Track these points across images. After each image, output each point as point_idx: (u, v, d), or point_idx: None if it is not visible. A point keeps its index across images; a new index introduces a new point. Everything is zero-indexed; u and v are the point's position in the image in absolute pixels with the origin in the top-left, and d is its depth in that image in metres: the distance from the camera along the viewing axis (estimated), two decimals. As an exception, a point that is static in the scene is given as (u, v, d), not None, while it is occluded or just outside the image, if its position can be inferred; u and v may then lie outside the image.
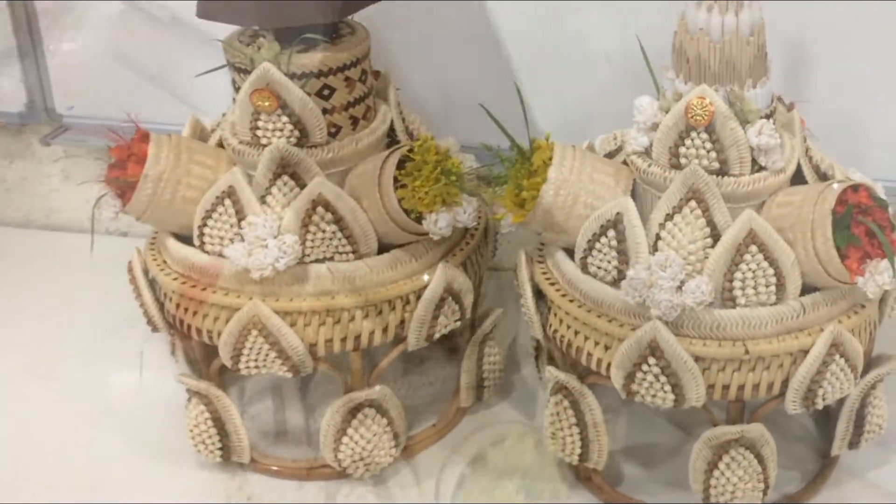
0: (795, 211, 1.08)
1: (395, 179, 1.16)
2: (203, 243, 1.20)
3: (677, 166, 1.11)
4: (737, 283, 1.08)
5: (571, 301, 1.16)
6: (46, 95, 1.66)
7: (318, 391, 1.37)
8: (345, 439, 1.23)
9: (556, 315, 1.18)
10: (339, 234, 1.17)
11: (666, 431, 1.30)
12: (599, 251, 1.13)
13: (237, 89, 1.19)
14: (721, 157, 1.09)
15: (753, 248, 1.08)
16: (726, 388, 1.10)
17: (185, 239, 1.23)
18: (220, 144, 1.26)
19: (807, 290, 1.10)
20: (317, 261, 1.18)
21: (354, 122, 1.21)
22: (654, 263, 1.08)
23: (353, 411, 1.23)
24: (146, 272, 1.26)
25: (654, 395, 1.11)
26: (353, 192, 1.19)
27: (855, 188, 1.07)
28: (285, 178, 1.18)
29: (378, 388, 1.23)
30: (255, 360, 1.18)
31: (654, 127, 1.12)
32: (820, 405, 1.12)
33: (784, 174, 1.11)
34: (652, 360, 1.09)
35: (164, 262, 1.24)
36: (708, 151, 1.09)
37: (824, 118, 1.26)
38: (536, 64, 1.45)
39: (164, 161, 1.19)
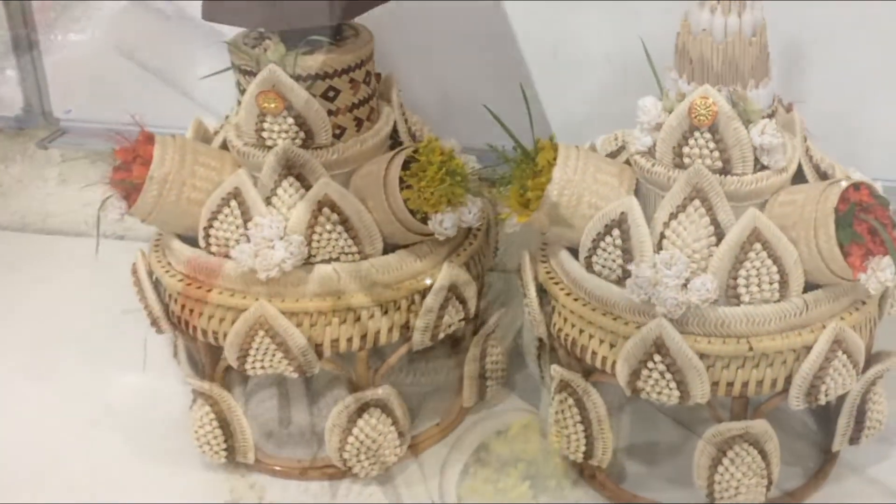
0: (798, 209, 1.10)
1: (401, 180, 1.17)
2: (209, 245, 1.21)
3: (681, 166, 1.12)
4: (741, 281, 1.09)
5: (576, 300, 1.17)
6: (44, 99, 1.66)
7: (323, 391, 1.38)
8: (350, 439, 1.24)
9: (560, 314, 1.19)
10: (345, 235, 1.18)
11: (668, 429, 1.30)
12: (604, 250, 1.14)
13: (242, 91, 1.20)
14: (724, 157, 1.10)
15: (758, 246, 1.09)
16: (730, 384, 1.11)
17: (189, 240, 1.24)
18: (224, 146, 1.26)
19: (808, 287, 1.12)
20: (322, 261, 1.19)
21: (359, 123, 1.22)
22: (660, 262, 1.09)
23: (359, 411, 1.23)
24: (150, 274, 1.26)
25: (659, 393, 1.12)
26: (358, 193, 1.20)
27: (856, 186, 1.08)
28: (291, 179, 1.19)
29: (383, 388, 1.24)
30: (262, 361, 1.19)
31: (658, 127, 1.13)
32: (823, 401, 1.13)
33: (786, 173, 1.13)
34: (657, 358, 1.10)
35: (169, 263, 1.25)
36: (711, 151, 1.10)
37: (819, 118, 1.27)
38: (535, 65, 1.46)
39: (170, 162, 1.19)
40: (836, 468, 1.25)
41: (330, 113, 1.18)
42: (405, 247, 1.21)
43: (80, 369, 1.46)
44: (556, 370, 1.20)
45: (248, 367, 1.20)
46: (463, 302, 1.25)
